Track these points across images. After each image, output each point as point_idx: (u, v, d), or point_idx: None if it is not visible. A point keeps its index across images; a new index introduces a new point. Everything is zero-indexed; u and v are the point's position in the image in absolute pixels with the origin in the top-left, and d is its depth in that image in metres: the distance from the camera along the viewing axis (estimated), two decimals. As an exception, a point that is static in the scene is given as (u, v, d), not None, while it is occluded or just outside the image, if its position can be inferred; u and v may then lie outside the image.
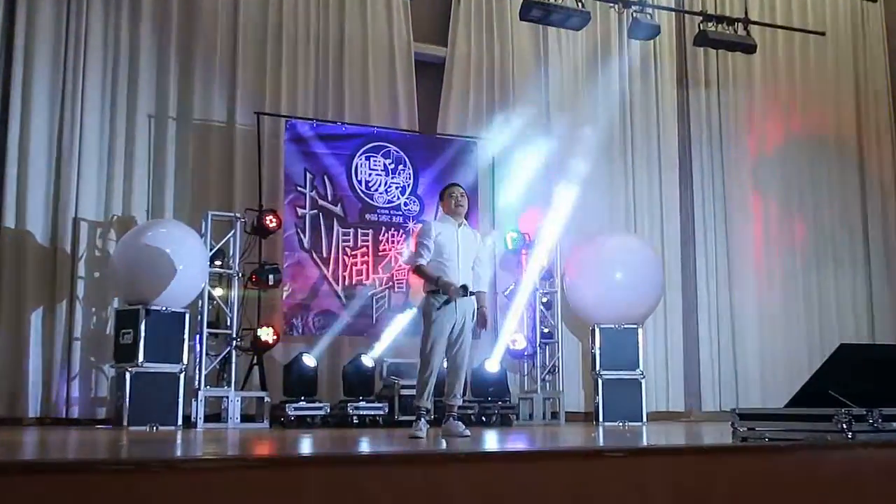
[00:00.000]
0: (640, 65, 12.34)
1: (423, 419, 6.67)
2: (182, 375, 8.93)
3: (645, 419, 10.37)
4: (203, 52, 10.31)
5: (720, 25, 11.25)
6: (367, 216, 10.46)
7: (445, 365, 6.94)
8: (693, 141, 12.72)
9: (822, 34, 12.83)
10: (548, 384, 10.92)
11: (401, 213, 10.60)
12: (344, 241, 10.30)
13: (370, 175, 10.54)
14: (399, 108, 11.11)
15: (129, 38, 9.99)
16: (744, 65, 12.75)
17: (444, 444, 6.02)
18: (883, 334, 12.68)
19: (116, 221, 9.68)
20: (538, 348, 10.89)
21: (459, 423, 6.83)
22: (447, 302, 6.70)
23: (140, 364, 8.70)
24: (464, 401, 9.86)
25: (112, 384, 9.23)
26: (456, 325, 6.76)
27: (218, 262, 9.62)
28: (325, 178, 10.31)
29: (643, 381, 10.51)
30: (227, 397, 9.35)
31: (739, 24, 11.30)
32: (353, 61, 10.98)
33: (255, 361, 9.69)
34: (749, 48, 11.45)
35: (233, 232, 9.69)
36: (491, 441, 6.77)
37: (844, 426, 4.16)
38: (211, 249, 9.50)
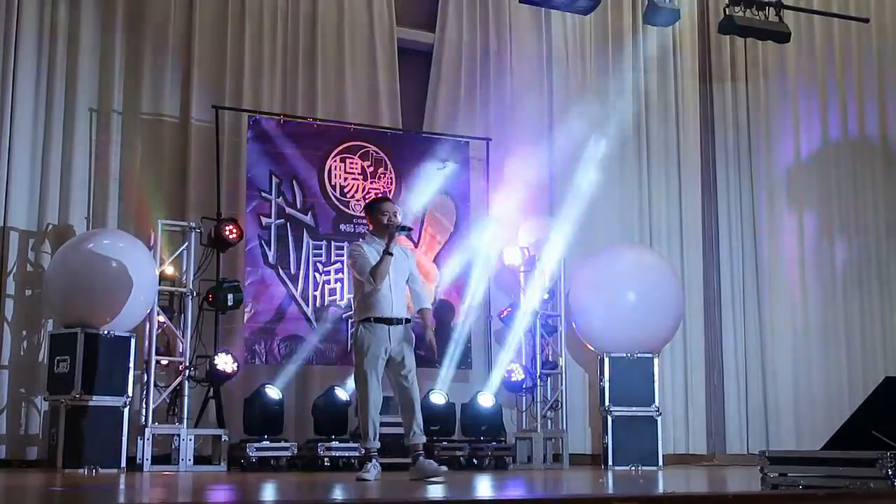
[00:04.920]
0: (658, 55, 12.39)
1: (374, 460, 7.05)
2: (126, 410, 8.90)
3: (661, 463, 10.39)
4: (153, 36, 10.31)
5: (749, 10, 11.29)
6: (342, 227, 10.47)
7: (398, 401, 7.28)
8: (717, 143, 12.78)
9: (866, 21, 12.90)
10: (549, 422, 10.92)
11: (381, 223, 10.60)
12: (315, 255, 10.31)
13: (346, 179, 10.55)
14: (380, 103, 11.13)
15: (67, 19, 9.99)
16: (776, 56, 12.82)
17: (423, 492, 6.03)
18: (935, 366, 12.73)
19: (52, 231, 9.66)
20: (538, 380, 10.89)
21: (431, 461, 7.06)
22: (380, 331, 7.09)
23: (78, 396, 8.66)
24: (453, 440, 9.93)
25: (45, 419, 9.18)
26: (393, 353, 7.14)
27: (169, 280, 9.60)
28: (294, 182, 10.32)
29: (659, 419, 10.53)
30: (179, 435, 9.31)
31: (771, 8, 11.35)
32: (326, 48, 11.01)
33: (210, 394, 9.67)
34: (782, 36, 11.50)
35: (186, 244, 9.67)
36: (483, 487, 6.79)
37: (890, 472, 4.19)
38: (161, 264, 9.49)
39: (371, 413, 7.10)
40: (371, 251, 7.14)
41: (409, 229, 7.40)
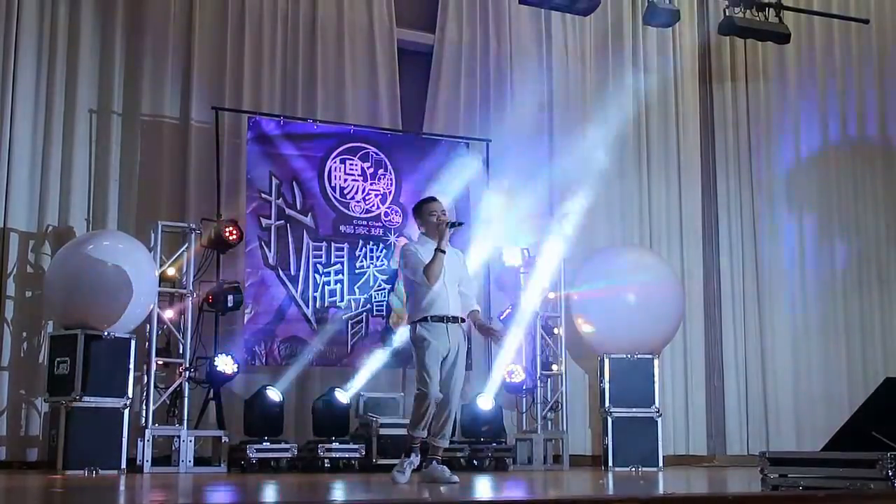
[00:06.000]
0: (657, 56, 12.41)
1: (413, 454, 6.91)
2: (126, 411, 8.90)
3: (661, 464, 10.40)
4: (153, 37, 10.32)
5: (749, 11, 11.31)
6: (342, 228, 10.47)
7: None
8: (717, 145, 12.79)
9: (866, 22, 12.91)
10: (549, 423, 10.93)
11: (380, 224, 10.62)
12: (315, 256, 10.31)
13: (346, 181, 10.56)
14: (379, 104, 11.14)
15: (67, 20, 9.99)
16: (776, 57, 12.83)
17: (427, 493, 6.04)
18: (935, 367, 12.73)
19: (52, 233, 9.67)
20: (539, 381, 10.89)
21: (445, 467, 6.95)
22: (438, 328, 6.99)
23: (78, 398, 8.66)
24: (453, 441, 9.92)
25: (45, 421, 9.19)
26: (449, 353, 7.03)
27: (169, 281, 9.61)
28: (294, 183, 10.32)
29: (659, 420, 10.55)
30: (179, 437, 9.32)
31: (771, 9, 11.37)
32: (326, 49, 11.02)
33: (210, 395, 9.68)
34: (782, 37, 11.52)
35: (186, 246, 9.67)
36: (484, 488, 6.80)
37: (890, 472, 4.20)
38: (161, 266, 9.49)
39: (431, 406, 6.93)
40: (424, 251, 7.07)
41: (461, 224, 7.42)
